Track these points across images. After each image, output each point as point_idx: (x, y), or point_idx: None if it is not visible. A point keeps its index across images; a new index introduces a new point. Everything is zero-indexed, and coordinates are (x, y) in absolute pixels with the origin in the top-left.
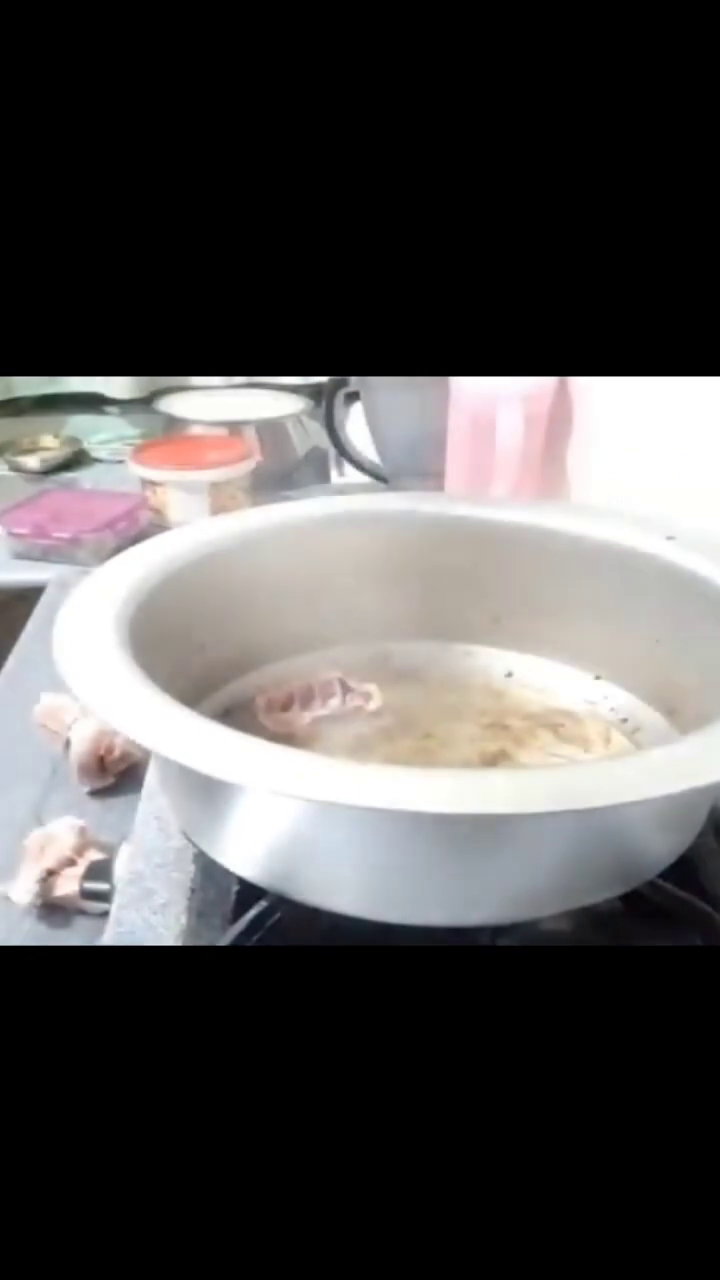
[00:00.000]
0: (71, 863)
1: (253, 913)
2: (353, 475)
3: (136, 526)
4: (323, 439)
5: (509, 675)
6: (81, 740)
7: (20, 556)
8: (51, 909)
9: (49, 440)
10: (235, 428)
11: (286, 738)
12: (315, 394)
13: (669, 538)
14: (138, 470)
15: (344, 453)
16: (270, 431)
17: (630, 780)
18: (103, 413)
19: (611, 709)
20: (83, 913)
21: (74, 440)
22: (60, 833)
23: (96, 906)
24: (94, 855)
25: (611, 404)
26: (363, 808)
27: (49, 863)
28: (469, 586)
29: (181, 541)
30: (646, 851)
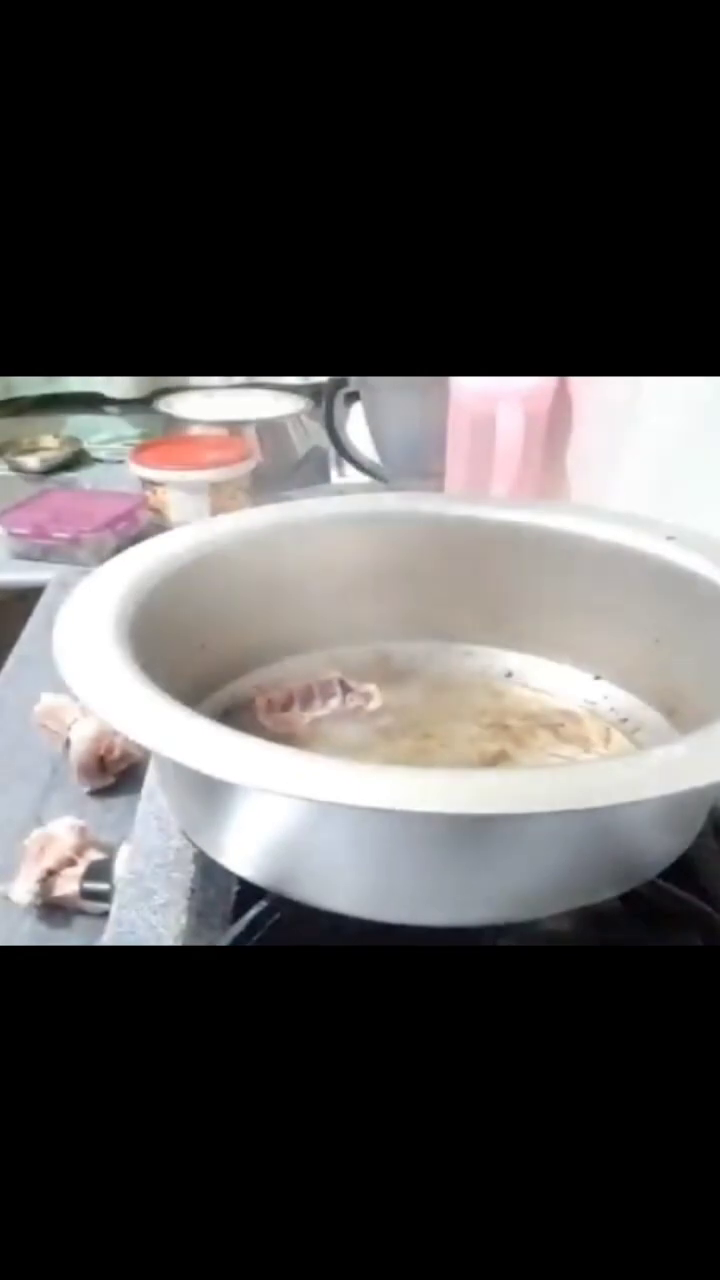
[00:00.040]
0: (71, 863)
1: (253, 913)
2: (353, 475)
3: (136, 526)
4: (323, 439)
5: (509, 675)
6: (81, 740)
7: (20, 556)
8: (51, 909)
9: (49, 440)
10: (235, 428)
11: (286, 738)
12: (315, 394)
13: (669, 538)
14: (138, 470)
15: (344, 453)
16: (270, 431)
17: (630, 780)
18: (103, 413)
19: (611, 709)
20: (83, 913)
21: (74, 440)
22: (60, 833)
23: (96, 906)
24: (94, 855)
25: (611, 403)
26: (363, 808)
27: (49, 863)
28: (469, 586)
29: (181, 541)
30: (646, 851)
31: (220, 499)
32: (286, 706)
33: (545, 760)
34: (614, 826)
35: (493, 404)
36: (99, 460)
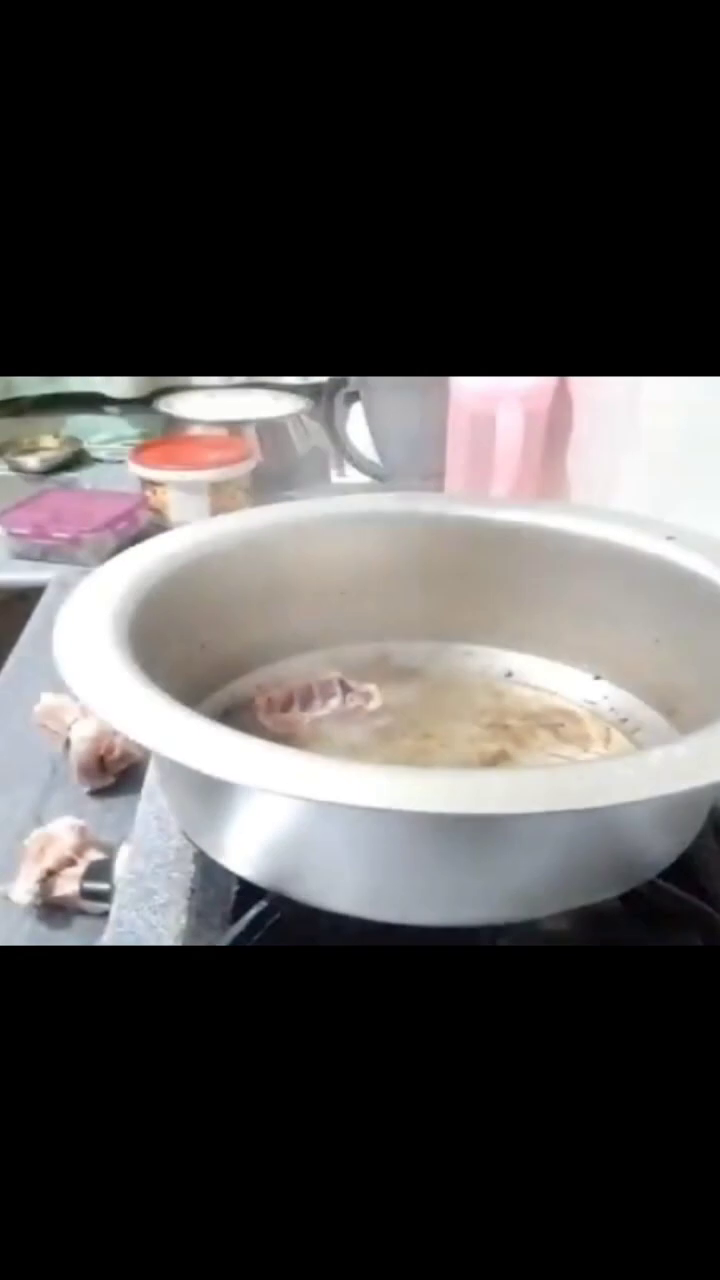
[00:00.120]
0: (71, 863)
1: (253, 913)
2: (353, 475)
3: (136, 526)
4: (323, 439)
5: (509, 675)
6: (81, 740)
7: (20, 556)
8: (51, 909)
9: (49, 440)
10: (235, 428)
11: (286, 738)
12: (315, 394)
13: (669, 538)
14: (138, 470)
15: (344, 453)
16: (270, 431)
17: (630, 780)
18: (103, 413)
19: (611, 709)
20: (83, 913)
21: (74, 440)
22: (60, 833)
23: (96, 906)
24: (94, 855)
25: (611, 404)
26: (363, 808)
27: (49, 863)
28: (469, 586)
29: (181, 541)
30: (646, 851)
31: (220, 499)
32: (286, 706)
33: (545, 760)
34: (614, 826)
35: (493, 404)
36: (99, 460)
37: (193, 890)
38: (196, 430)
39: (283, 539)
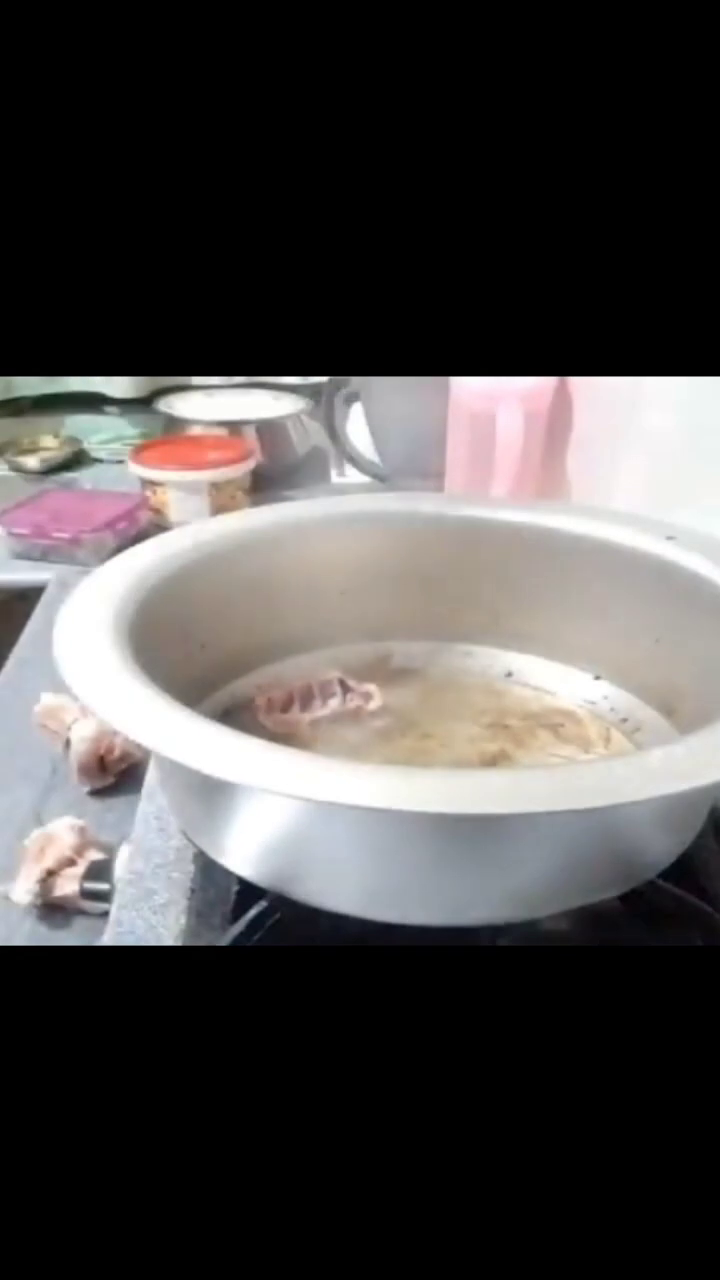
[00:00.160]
0: (71, 863)
1: (253, 913)
2: (353, 475)
3: (136, 526)
4: (323, 439)
5: (509, 675)
6: (81, 740)
7: (20, 556)
8: (51, 909)
9: (49, 440)
10: (235, 428)
11: (286, 738)
12: (315, 394)
13: (669, 538)
14: (138, 470)
15: (344, 453)
16: (270, 431)
17: (630, 780)
18: (103, 413)
19: (611, 709)
20: (83, 913)
21: (74, 440)
22: (60, 833)
23: (96, 906)
24: (94, 855)
25: (611, 403)
26: (363, 808)
27: (49, 863)
28: (469, 586)
29: (181, 541)
30: (646, 851)
31: (220, 499)
32: (286, 706)
33: (545, 760)
34: (614, 826)
35: (493, 404)
36: (99, 460)
37: (193, 890)
38: (196, 430)
39: (283, 539)
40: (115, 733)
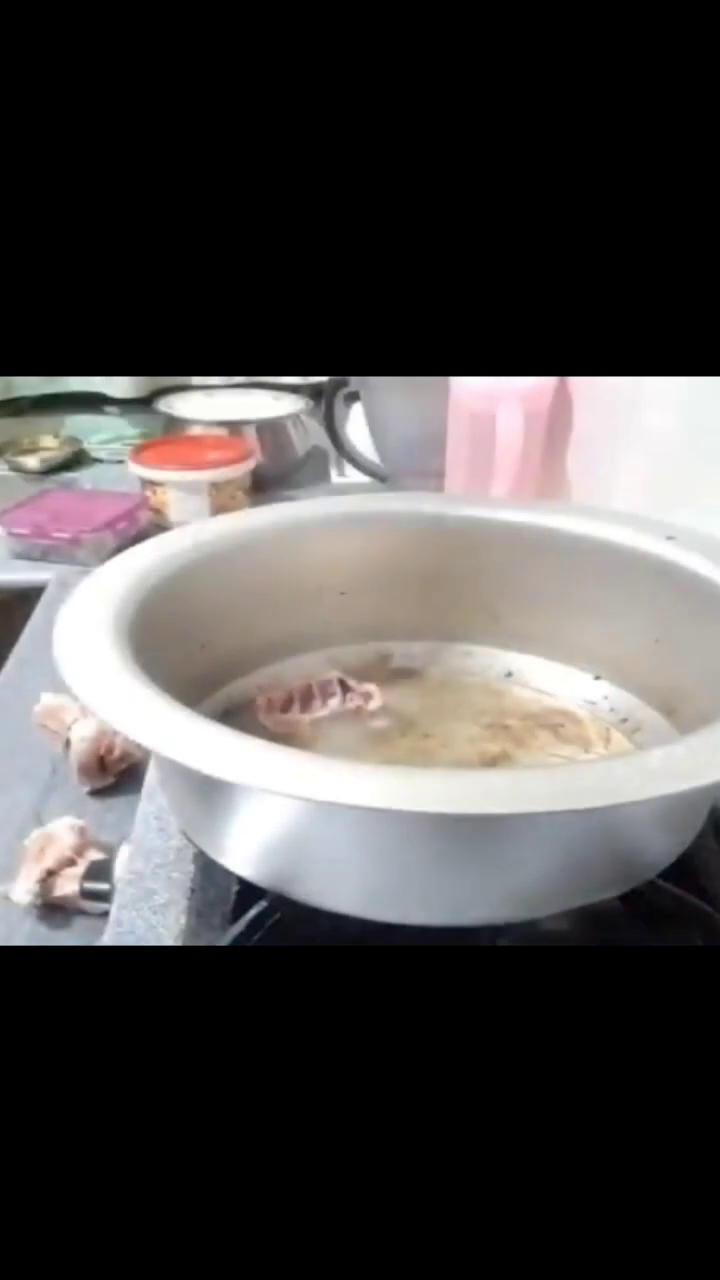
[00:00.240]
0: (71, 863)
1: (253, 913)
2: (353, 475)
3: (136, 526)
4: (323, 439)
5: (509, 675)
6: (81, 740)
7: (20, 556)
8: (51, 909)
9: (49, 440)
10: (235, 428)
11: (286, 738)
12: (315, 394)
13: (669, 538)
14: (138, 470)
15: (344, 453)
16: (270, 431)
17: (630, 780)
18: (103, 413)
19: (611, 709)
20: (83, 913)
21: (74, 440)
22: (60, 833)
23: (96, 906)
24: (94, 855)
25: (611, 404)
26: (363, 808)
27: (49, 863)
28: (469, 586)
29: (181, 541)
30: (646, 851)
31: (220, 499)
32: (286, 706)
33: (545, 760)
34: (614, 826)
35: (493, 404)
36: (99, 460)
37: (193, 890)
38: (196, 430)
39: (283, 539)
40: (115, 733)
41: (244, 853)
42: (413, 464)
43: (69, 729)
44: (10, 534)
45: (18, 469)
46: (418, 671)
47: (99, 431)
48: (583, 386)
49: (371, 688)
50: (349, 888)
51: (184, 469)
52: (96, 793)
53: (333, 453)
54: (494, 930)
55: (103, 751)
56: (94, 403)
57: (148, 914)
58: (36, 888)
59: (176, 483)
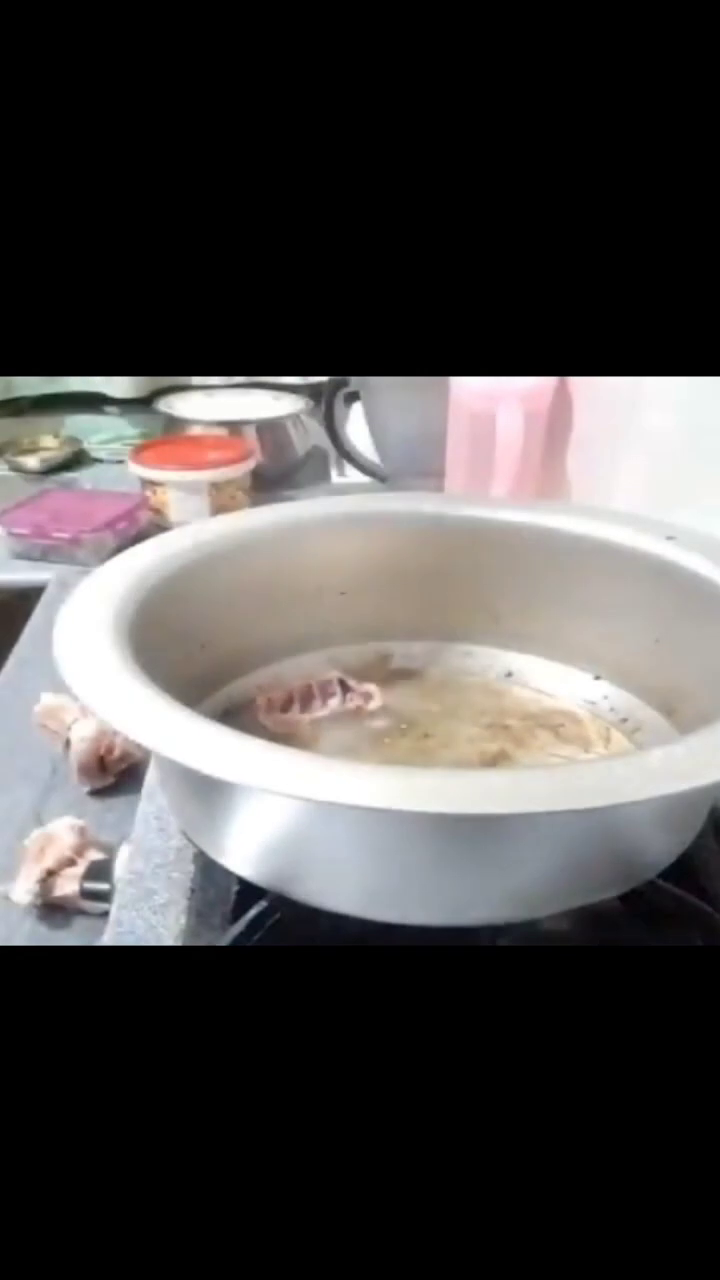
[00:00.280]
0: (71, 863)
1: (253, 913)
2: (353, 475)
3: (136, 526)
4: (323, 439)
5: (509, 675)
6: (81, 740)
7: (20, 556)
8: (51, 909)
9: (49, 440)
10: (235, 428)
11: (286, 738)
12: (315, 394)
13: (669, 538)
14: (138, 470)
15: (344, 453)
16: (270, 431)
17: (630, 780)
18: (103, 413)
19: (611, 709)
20: (83, 913)
21: (74, 440)
22: (60, 833)
23: (96, 906)
24: (94, 855)
25: (611, 404)
26: (363, 808)
27: (49, 863)
28: (469, 586)
29: (181, 541)
30: (646, 851)
31: (220, 499)
32: (286, 706)
33: (545, 760)
34: (614, 826)
35: (493, 404)
36: (99, 460)
37: (193, 890)
38: (196, 430)
39: (283, 539)
40: (115, 733)
41: (244, 853)
42: (413, 464)
43: (69, 729)
44: (10, 534)
45: (18, 469)
46: (418, 671)
47: (99, 431)
48: (583, 386)
49: (371, 688)
50: (349, 888)
51: (184, 469)
52: (96, 793)
53: (333, 453)
54: (494, 930)
55: (103, 751)
56: (94, 403)
57: (148, 914)
58: (36, 888)
59: (176, 483)
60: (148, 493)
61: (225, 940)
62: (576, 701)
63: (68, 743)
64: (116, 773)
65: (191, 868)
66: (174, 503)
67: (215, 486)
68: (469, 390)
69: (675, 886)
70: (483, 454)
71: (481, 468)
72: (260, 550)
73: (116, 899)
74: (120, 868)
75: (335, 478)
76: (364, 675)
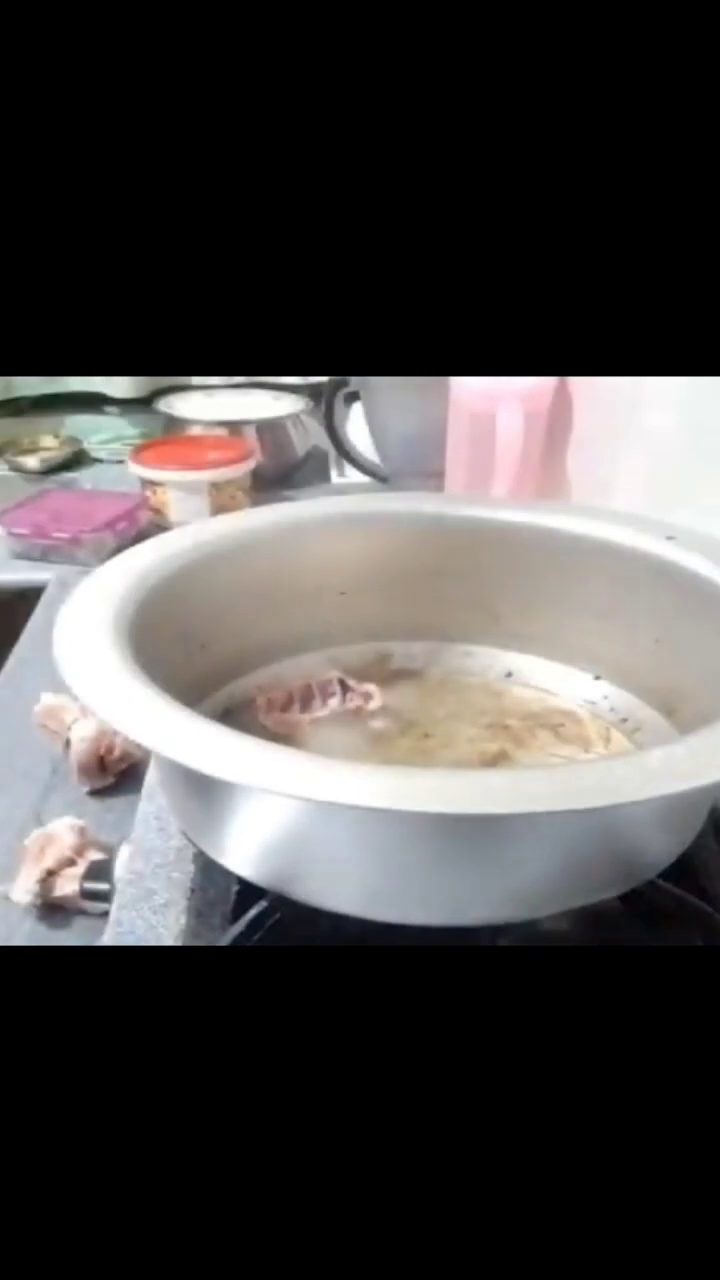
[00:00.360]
0: (71, 863)
1: (253, 913)
2: (353, 475)
3: (136, 526)
4: (323, 439)
5: (509, 675)
6: (81, 740)
7: (20, 556)
8: (51, 909)
9: (49, 440)
10: (235, 428)
11: (286, 738)
12: (315, 394)
13: (669, 538)
14: (138, 470)
15: (344, 453)
16: (270, 431)
17: (630, 780)
18: (103, 413)
19: (611, 709)
20: (83, 913)
21: (74, 440)
22: (60, 833)
23: (96, 906)
24: (94, 855)
25: (611, 404)
26: (362, 808)
27: (49, 863)
28: (469, 586)
29: (181, 541)
30: (646, 851)
31: (220, 499)
32: (286, 706)
33: (545, 760)
34: (614, 826)
35: (493, 404)
36: (99, 460)
37: (193, 890)
38: (196, 430)
39: (283, 539)
40: (115, 733)
41: (244, 853)
42: (413, 464)
43: (69, 729)
44: (10, 534)
45: (18, 469)
46: (418, 671)
47: (99, 431)
48: (583, 386)
49: (371, 688)
50: (349, 888)
51: (184, 469)
52: (96, 793)
53: (333, 453)
54: (494, 930)
55: (103, 751)
56: (94, 403)
57: (148, 914)
58: (36, 888)
59: (176, 483)
60: (148, 493)
61: (225, 940)
62: (576, 701)
63: (68, 743)
64: (116, 773)
65: (191, 868)
66: (174, 503)
67: (215, 486)
68: (469, 390)
69: (675, 886)
70: (483, 454)
71: (481, 468)
72: (260, 550)
73: (116, 899)
74: (120, 868)
75: (335, 478)
76: (364, 675)
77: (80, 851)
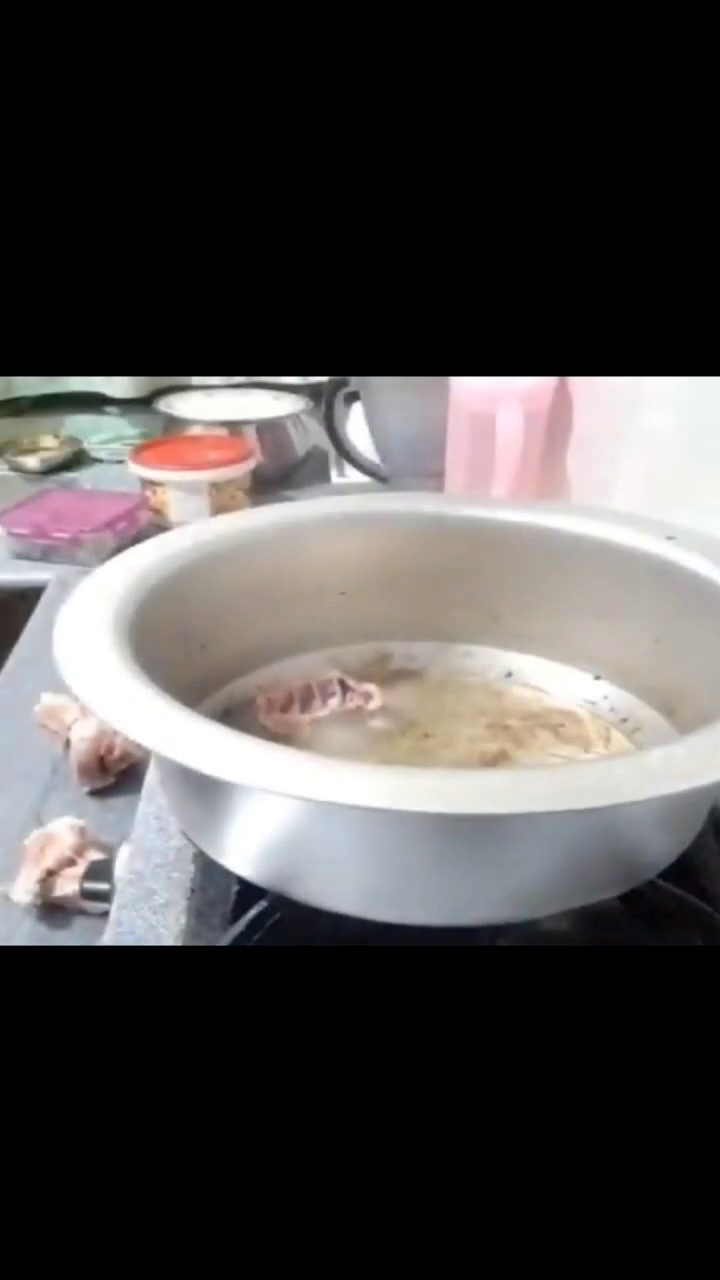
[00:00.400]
0: (71, 863)
1: (253, 913)
2: (353, 475)
3: (136, 526)
4: (323, 439)
5: (509, 675)
6: (81, 740)
7: (20, 556)
8: (51, 909)
9: (49, 440)
10: (235, 428)
11: (286, 738)
12: (315, 394)
13: (669, 538)
14: (138, 470)
15: (344, 453)
16: (270, 431)
17: (629, 780)
18: (103, 413)
19: (611, 709)
20: (83, 913)
21: (74, 440)
22: (60, 833)
23: (96, 906)
24: (94, 855)
25: (611, 404)
26: (363, 808)
27: (49, 863)
28: (469, 586)
29: (181, 541)
30: (646, 851)
31: (220, 499)
32: (286, 706)
33: (545, 760)
34: (614, 826)
35: (493, 404)
36: (99, 460)
37: (193, 890)
38: (196, 430)
39: (283, 539)
40: (115, 733)
41: (244, 853)
42: (413, 464)
43: (69, 729)
44: (10, 534)
45: (18, 469)
46: (418, 671)
47: (99, 431)
48: (583, 386)
49: (371, 688)
50: (349, 888)
51: (184, 469)
52: (96, 793)
53: (333, 453)
54: (494, 930)
55: (103, 751)
56: (94, 403)
57: (148, 914)
58: (36, 888)
59: (176, 483)
60: (148, 493)
61: (225, 940)
62: (576, 701)
63: (68, 743)
64: (116, 773)
65: (191, 868)
66: (174, 503)
67: (215, 486)
68: (469, 390)
69: (675, 886)
70: (483, 454)
71: (481, 468)
72: (260, 550)
73: (116, 899)
74: (120, 868)
75: (335, 478)
76: (364, 675)
77: (80, 851)
